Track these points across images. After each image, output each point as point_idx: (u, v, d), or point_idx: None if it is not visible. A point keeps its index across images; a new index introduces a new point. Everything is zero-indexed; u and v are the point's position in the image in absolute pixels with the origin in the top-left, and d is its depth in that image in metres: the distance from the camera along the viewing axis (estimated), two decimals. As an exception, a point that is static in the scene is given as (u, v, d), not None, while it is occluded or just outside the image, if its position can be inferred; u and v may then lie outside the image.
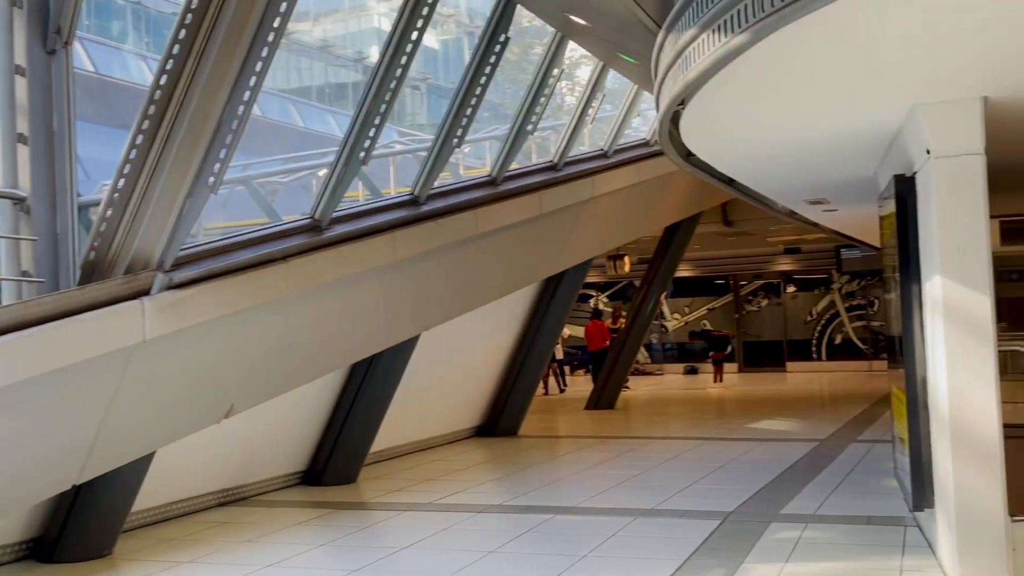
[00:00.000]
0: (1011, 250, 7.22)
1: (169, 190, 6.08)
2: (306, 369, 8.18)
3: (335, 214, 8.02)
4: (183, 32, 5.85)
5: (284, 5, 6.08)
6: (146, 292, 6.28)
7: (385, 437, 10.11)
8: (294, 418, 8.94)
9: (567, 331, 19.97)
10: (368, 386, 9.27)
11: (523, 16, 13.48)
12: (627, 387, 18.11)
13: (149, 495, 7.38)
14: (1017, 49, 4.29)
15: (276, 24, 6.18)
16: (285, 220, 7.85)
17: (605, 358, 16.21)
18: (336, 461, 9.28)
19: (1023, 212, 10.11)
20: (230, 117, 6.26)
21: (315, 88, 17.39)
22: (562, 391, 19.17)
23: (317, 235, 7.78)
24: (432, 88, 16.45)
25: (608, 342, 17.29)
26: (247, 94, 6.28)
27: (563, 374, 20.35)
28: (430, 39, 18.04)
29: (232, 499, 8.54)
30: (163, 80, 5.92)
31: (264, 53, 6.22)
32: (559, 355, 19.50)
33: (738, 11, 3.88)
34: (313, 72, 17.64)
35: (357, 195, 10.19)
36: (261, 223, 8.07)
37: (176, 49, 5.87)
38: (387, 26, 7.59)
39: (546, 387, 18.85)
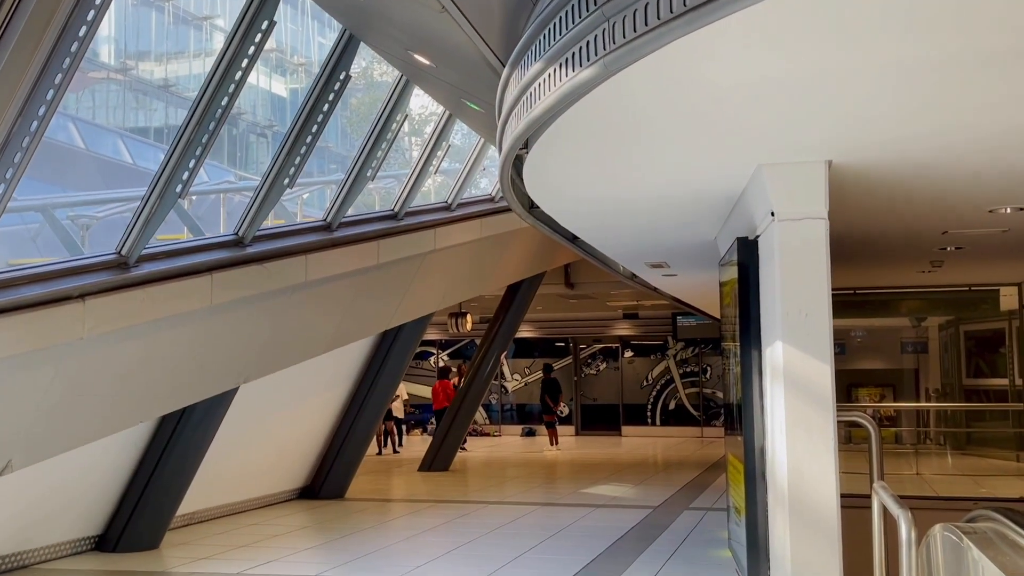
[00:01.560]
0: (834, 323, 7.30)
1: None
2: (103, 422, 7.34)
3: (146, 251, 7.30)
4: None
5: (84, 29, 5.45)
6: (-98, 327, 5.38)
7: (195, 498, 9.33)
8: (88, 475, 8.04)
9: (404, 390, 19.39)
10: (178, 441, 8.51)
11: (376, 70, 13.14)
12: (464, 448, 17.64)
13: (-102, 565, 6.34)
14: (857, 114, 4.18)
15: (82, 33, 5.51)
16: (86, 255, 7.05)
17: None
18: (136, 525, 8.45)
19: (844, 287, 10.47)
20: (20, 134, 5.50)
21: (153, 128, 16.62)
22: (396, 451, 18.50)
23: (123, 273, 7.04)
24: (279, 136, 15.89)
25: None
26: (43, 109, 5.55)
27: (400, 433, 19.73)
28: (278, 87, 17.50)
29: (8, 568, 7.54)
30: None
31: (66, 65, 5.53)
32: (399, 414, 18.87)
33: (587, 42, 3.56)
34: (152, 112, 16.87)
35: (181, 236, 9.54)
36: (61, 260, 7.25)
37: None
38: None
39: (380, 446, 18.16)
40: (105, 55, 14.62)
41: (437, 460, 15.01)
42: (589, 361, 23.75)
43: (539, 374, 22.16)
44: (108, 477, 8.34)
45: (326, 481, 11.73)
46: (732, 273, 5.99)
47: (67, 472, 7.67)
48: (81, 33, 5.53)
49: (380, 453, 18.11)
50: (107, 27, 14.34)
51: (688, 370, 22.99)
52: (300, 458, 11.57)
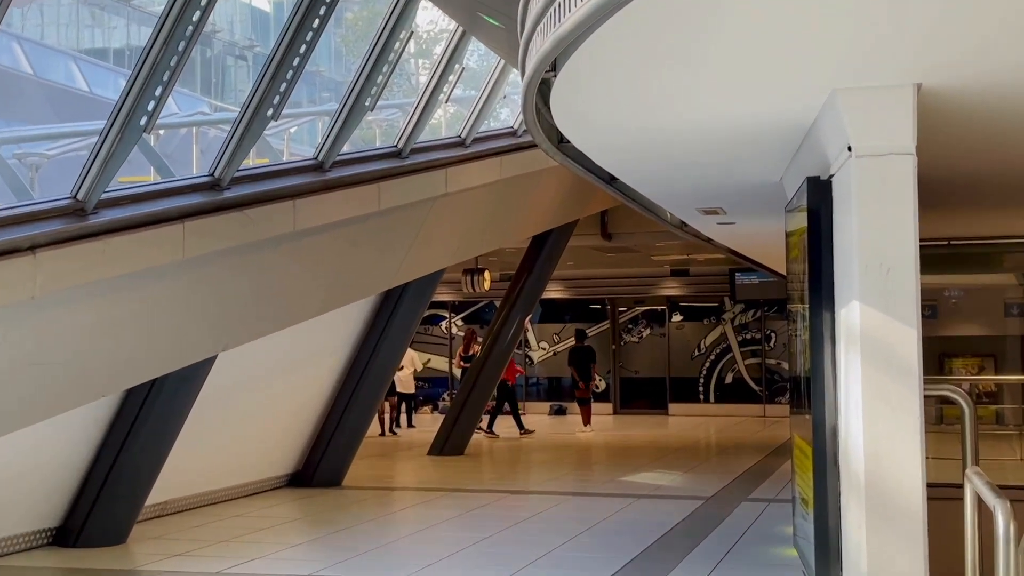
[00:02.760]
0: (924, 281, 7.24)
1: None
2: (59, 396, 7.48)
3: (106, 195, 7.39)
4: None
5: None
6: None
7: (168, 486, 9.50)
8: (43, 458, 8.21)
9: (417, 359, 19.53)
10: (147, 419, 8.66)
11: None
12: (493, 434, 17.80)
13: None
14: (953, 26, 4.13)
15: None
16: (36, 200, 7.16)
17: (509, 392, 17.68)
18: (100, 516, 8.63)
19: (936, 237, 10.39)
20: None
21: (113, 49, 16.69)
22: (394, 433, 18.59)
23: (79, 221, 7.15)
24: (261, 59, 15.93)
25: (510, 373, 17.93)
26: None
27: (410, 410, 19.93)
28: (260, 0, 17.49)
29: (-47, 565, 7.72)
30: None
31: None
32: (410, 388, 19.15)
33: (626, -58, 3.54)
34: (111, 30, 16.95)
35: (147, 179, 9.63)
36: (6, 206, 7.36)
37: None
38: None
39: (382, 426, 18.37)
40: (54, -37, 14.68)
41: (450, 443, 15.15)
42: (630, 326, 23.78)
43: (571, 341, 22.23)
44: (67, 460, 8.48)
45: (320, 466, 11.88)
46: (801, 220, 5.99)
47: (18, 455, 7.81)
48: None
49: (383, 434, 18.30)
50: (56, -70, 14.36)
51: (748, 337, 22.99)
52: (289, 439, 11.72)
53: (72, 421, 8.20)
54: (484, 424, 17.71)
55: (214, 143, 10.55)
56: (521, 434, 18.14)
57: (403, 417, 19.84)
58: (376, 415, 16.02)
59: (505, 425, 20.53)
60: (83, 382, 7.71)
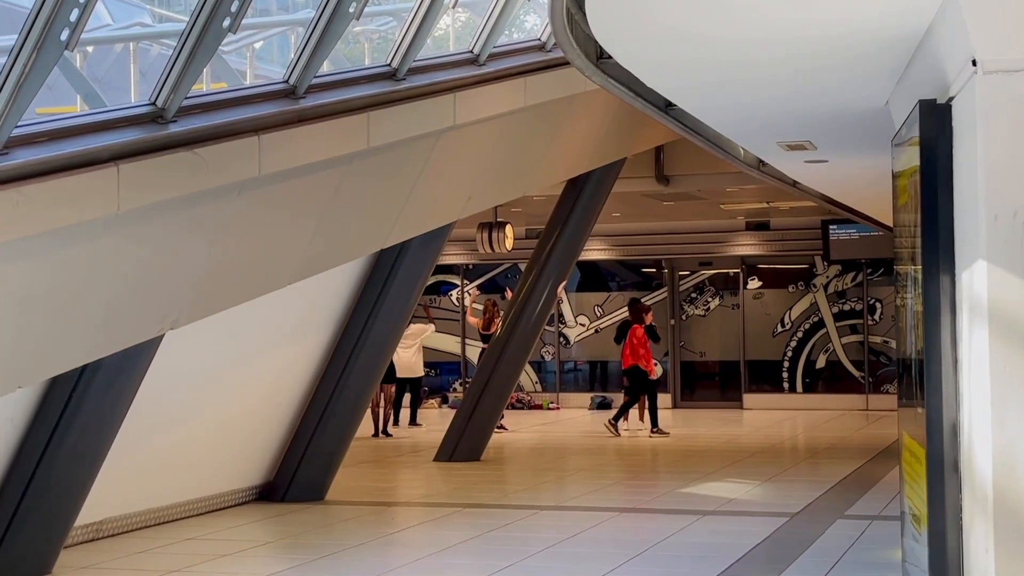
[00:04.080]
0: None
1: None
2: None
3: (18, 131, 7.44)
4: None
5: None
6: None
7: (103, 502, 9.62)
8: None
9: (429, 331, 19.53)
10: (75, 418, 8.74)
11: None
12: (502, 427, 17.89)
13: None
14: None
15: None
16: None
17: (647, 382, 18.07)
18: (16, 541, 8.72)
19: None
20: None
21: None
22: (387, 433, 18.64)
23: (-15, 165, 7.16)
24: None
25: (647, 361, 18.29)
26: None
27: (416, 402, 20.10)
28: None
29: None
30: None
31: None
32: (416, 371, 19.41)
33: None
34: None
35: (72, 109, 9.66)
36: None
37: None
38: None
39: (376, 424, 18.46)
40: None
41: (462, 446, 15.23)
42: (694, 295, 23.79)
43: (617, 316, 22.24)
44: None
45: (296, 476, 11.97)
46: (912, 157, 5.98)
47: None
48: None
49: (377, 434, 18.40)
50: None
51: (846, 307, 22.96)
52: (259, 442, 11.82)
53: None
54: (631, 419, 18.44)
55: (157, 63, 10.56)
56: (615, 430, 18.35)
57: (404, 412, 19.84)
58: (369, 410, 16.10)
59: (531, 422, 20.57)
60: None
